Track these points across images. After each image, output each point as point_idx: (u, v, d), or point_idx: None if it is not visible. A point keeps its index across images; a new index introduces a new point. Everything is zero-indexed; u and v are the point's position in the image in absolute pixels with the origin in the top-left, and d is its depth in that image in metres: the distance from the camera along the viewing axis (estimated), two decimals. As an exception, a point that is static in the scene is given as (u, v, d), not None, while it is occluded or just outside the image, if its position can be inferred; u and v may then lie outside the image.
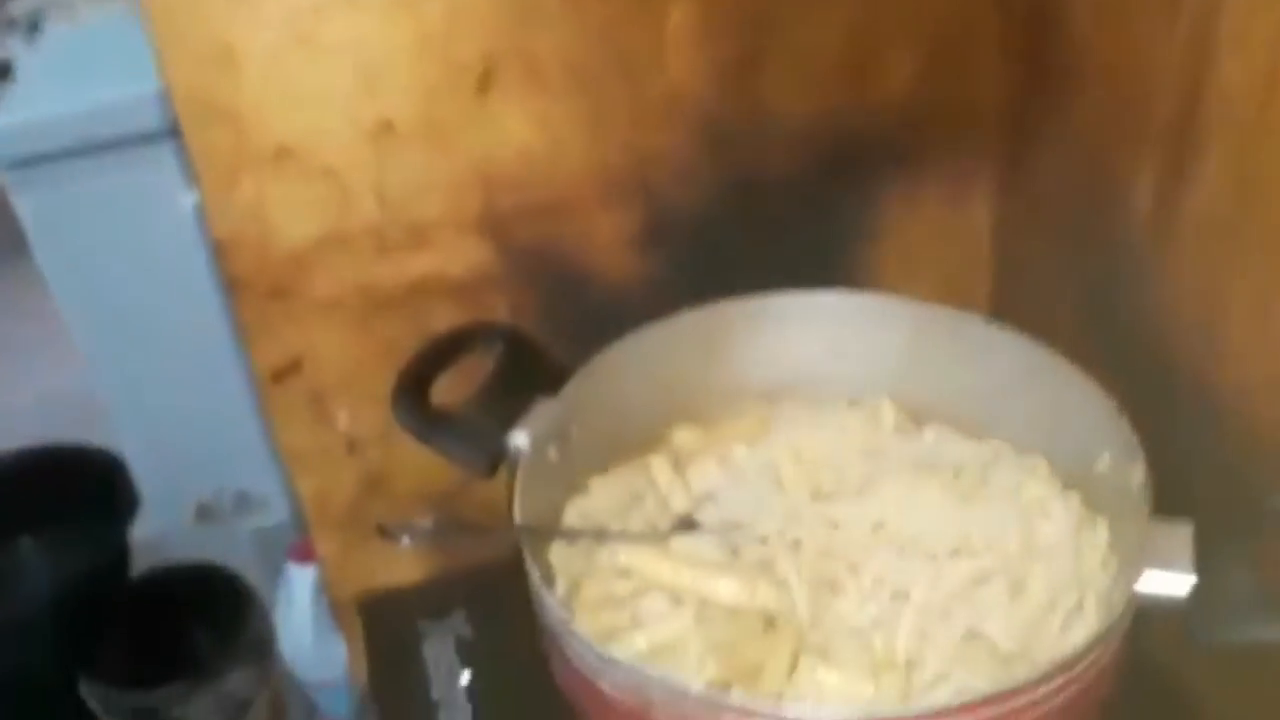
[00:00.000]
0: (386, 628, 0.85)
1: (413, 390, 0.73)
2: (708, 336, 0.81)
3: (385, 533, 0.64)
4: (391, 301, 0.76)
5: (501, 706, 0.76)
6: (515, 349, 0.76)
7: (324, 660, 1.10)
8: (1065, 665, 0.59)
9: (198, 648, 1.20)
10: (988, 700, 0.57)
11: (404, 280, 0.76)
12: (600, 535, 0.71)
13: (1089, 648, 0.60)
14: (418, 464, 0.79)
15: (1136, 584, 0.61)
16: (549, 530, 0.71)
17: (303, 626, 1.14)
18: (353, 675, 0.88)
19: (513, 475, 0.71)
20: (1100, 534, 0.74)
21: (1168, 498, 0.67)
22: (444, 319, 0.78)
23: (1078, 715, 0.63)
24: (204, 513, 1.54)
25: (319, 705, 1.14)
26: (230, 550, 1.39)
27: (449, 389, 0.74)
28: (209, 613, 1.18)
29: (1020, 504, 0.75)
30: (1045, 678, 0.58)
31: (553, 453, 0.70)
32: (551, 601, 0.63)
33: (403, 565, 0.88)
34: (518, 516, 0.67)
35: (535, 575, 0.64)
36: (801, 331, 0.83)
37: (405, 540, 0.64)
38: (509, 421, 0.69)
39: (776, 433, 0.81)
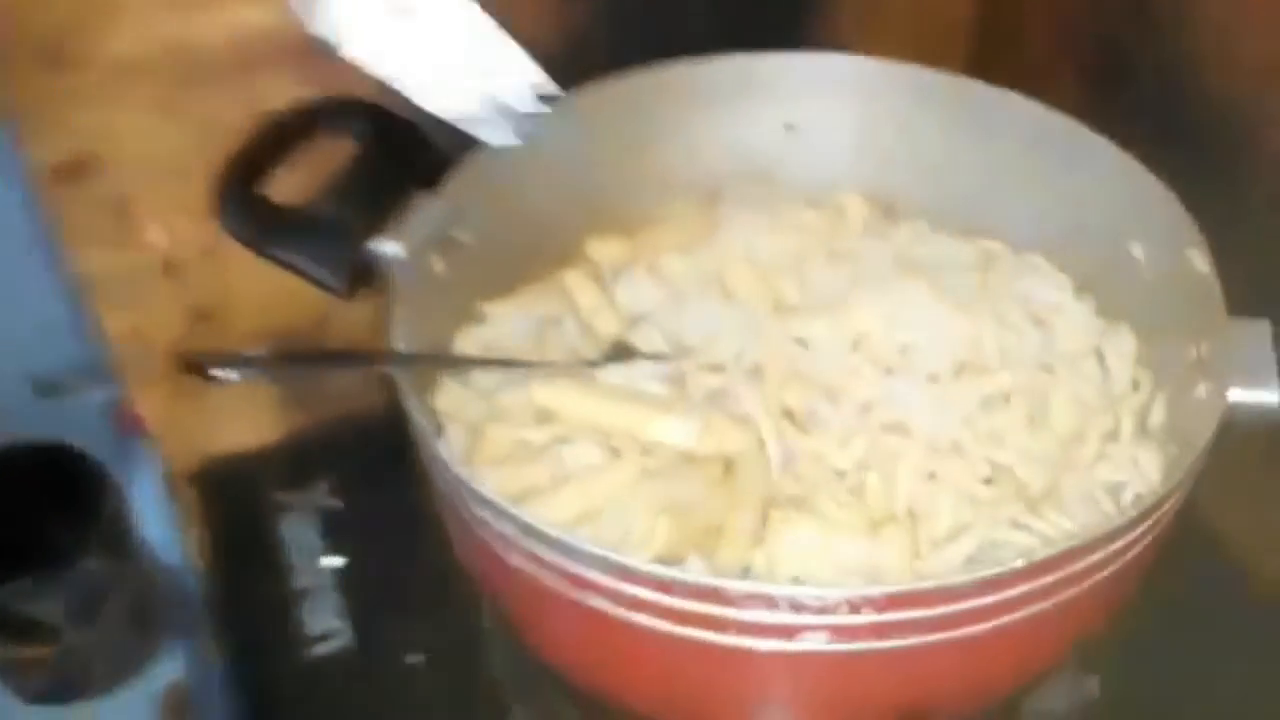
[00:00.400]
0: (231, 502, 0.67)
1: (244, 186, 0.55)
2: (635, 112, 0.64)
3: (193, 366, 0.46)
4: (214, 67, 0.59)
5: (380, 597, 0.59)
6: (383, 131, 0.57)
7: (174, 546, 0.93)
8: (1147, 512, 0.44)
9: (48, 537, 1.01)
10: (1049, 563, 0.42)
11: (229, 36, 0.59)
12: (508, 365, 0.54)
13: (1173, 486, 0.45)
14: (257, 287, 0.61)
15: (1229, 394, 0.46)
16: (438, 358, 0.53)
17: (149, 508, 0.96)
18: (194, 564, 0.70)
19: (384, 296, 0.53)
20: (1125, 344, 0.59)
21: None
22: (285, 91, 0.59)
23: (1128, 582, 0.48)
24: (43, 386, 1.33)
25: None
26: (77, 427, 1.18)
27: (295, 187, 0.55)
28: (58, 497, 0.98)
29: (1029, 311, 0.60)
30: (1120, 530, 0.43)
31: (437, 266, 0.56)
32: (445, 454, 0.46)
33: (250, 424, 0.70)
34: (394, 342, 0.49)
35: (420, 420, 0.47)
36: (749, 106, 0.66)
37: (227, 376, 0.45)
38: (376, 224, 0.54)
39: (721, 237, 0.64)
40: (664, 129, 0.64)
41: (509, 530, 0.44)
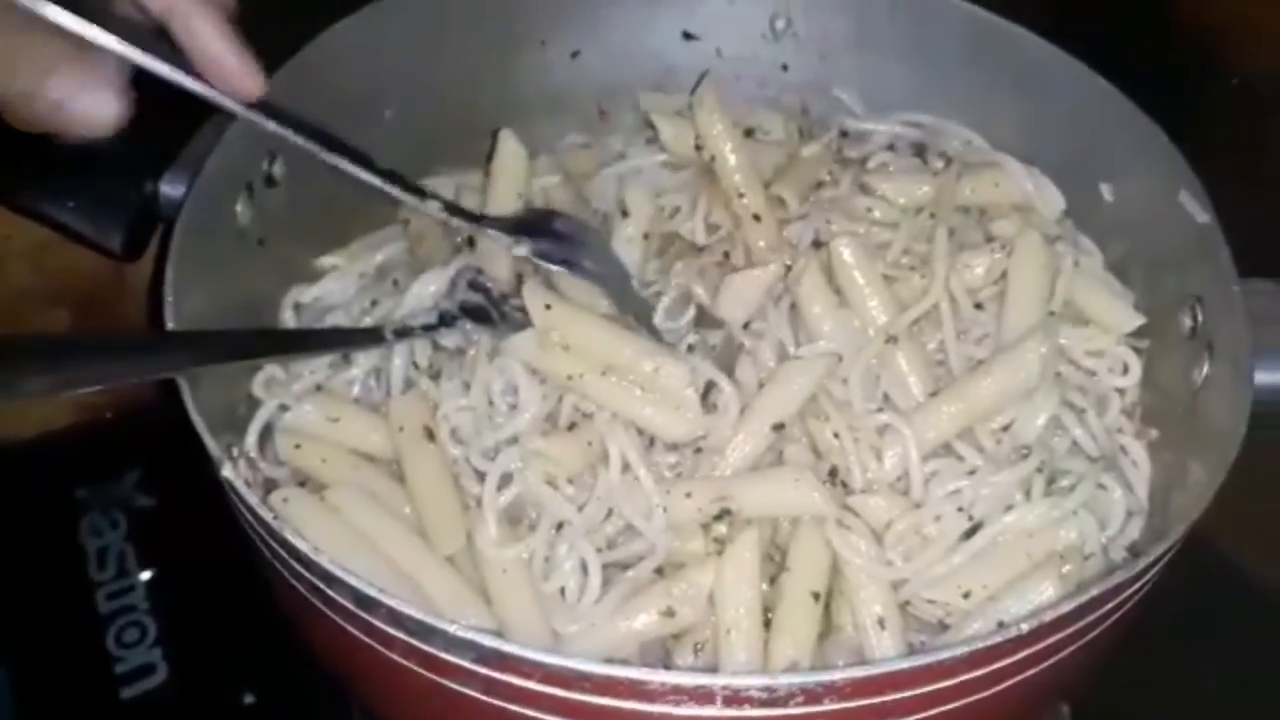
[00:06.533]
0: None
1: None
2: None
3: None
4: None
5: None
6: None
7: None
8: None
9: None
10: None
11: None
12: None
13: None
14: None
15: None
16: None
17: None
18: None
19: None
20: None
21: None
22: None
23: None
24: None
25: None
26: None
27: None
28: None
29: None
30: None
31: (242, 213, 0.44)
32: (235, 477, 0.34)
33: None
34: (169, 316, 0.37)
35: (201, 424, 0.35)
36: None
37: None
38: (159, 162, 0.43)
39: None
40: (536, 29, 0.52)
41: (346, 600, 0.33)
